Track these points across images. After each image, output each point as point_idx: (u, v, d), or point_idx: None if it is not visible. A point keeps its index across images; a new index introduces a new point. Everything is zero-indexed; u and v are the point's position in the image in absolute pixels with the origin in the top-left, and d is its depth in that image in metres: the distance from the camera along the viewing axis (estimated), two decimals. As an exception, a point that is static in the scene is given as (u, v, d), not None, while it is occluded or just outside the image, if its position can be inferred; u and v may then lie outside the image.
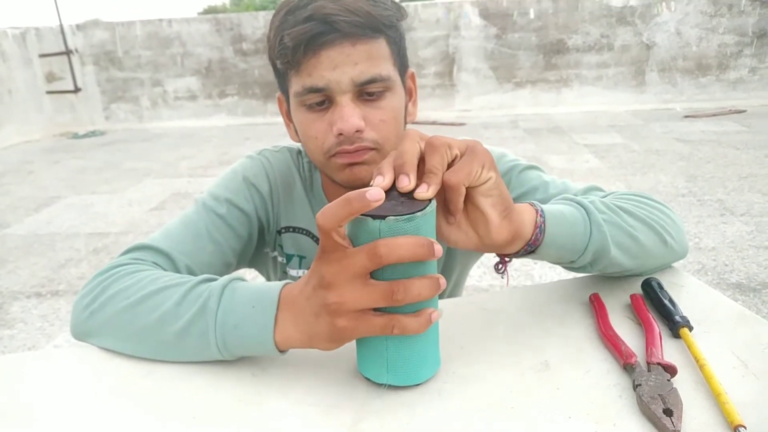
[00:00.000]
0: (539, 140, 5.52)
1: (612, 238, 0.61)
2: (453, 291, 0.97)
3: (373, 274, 0.46)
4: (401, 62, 0.74)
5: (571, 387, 0.53)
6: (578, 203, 0.61)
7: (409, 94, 0.80)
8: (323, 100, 0.70)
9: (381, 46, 0.69)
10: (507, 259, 0.60)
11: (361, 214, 0.45)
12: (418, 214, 0.45)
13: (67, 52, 7.54)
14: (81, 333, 0.64)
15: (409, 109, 0.79)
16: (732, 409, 0.47)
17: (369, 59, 0.68)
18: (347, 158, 0.70)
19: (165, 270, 0.69)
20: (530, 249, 0.57)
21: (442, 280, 0.47)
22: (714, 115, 6.21)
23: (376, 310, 0.47)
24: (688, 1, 6.71)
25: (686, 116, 6.26)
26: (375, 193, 0.42)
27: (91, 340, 0.63)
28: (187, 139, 6.74)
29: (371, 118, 0.70)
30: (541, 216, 0.56)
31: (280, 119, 0.82)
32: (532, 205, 0.57)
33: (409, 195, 0.47)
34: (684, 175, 4.00)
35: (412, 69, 0.79)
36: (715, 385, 0.50)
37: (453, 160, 0.49)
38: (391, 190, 0.47)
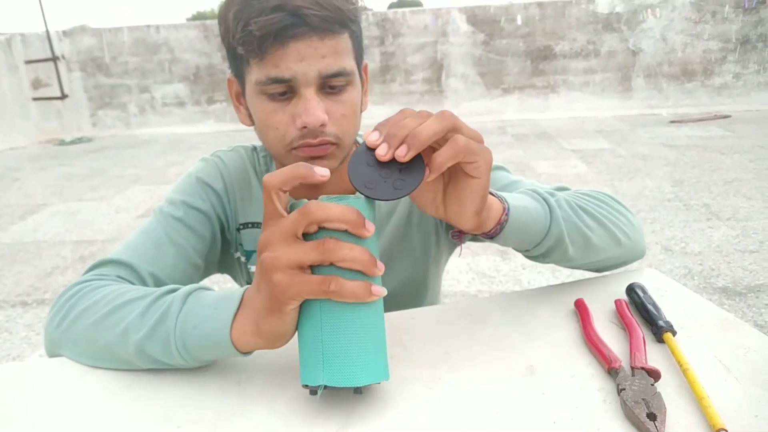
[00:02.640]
0: (527, 146, 5.56)
1: (568, 236, 0.65)
2: (432, 299, 0.97)
3: (308, 239, 0.48)
4: (359, 55, 0.75)
5: (556, 392, 0.53)
6: (545, 200, 0.65)
7: (363, 85, 0.81)
8: (285, 91, 0.70)
9: (345, 41, 0.70)
10: (464, 233, 0.64)
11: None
12: (351, 197, 0.48)
13: (54, 59, 7.49)
14: (54, 350, 0.64)
15: (363, 99, 0.80)
16: (714, 413, 0.47)
17: (335, 53, 0.68)
18: (309, 152, 0.71)
19: (129, 281, 0.70)
20: (487, 236, 0.61)
21: (380, 264, 0.48)
22: (699, 120, 6.29)
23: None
24: (672, 7, 6.80)
25: (672, 121, 6.33)
26: (322, 171, 0.47)
27: (66, 354, 0.63)
28: (175, 145, 6.71)
29: (333, 113, 0.70)
30: (506, 214, 0.59)
31: (239, 119, 0.81)
32: (501, 202, 0.59)
33: (401, 174, 0.48)
34: (670, 179, 4.03)
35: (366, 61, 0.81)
36: (698, 389, 0.50)
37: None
38: (391, 167, 0.49)
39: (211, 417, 0.52)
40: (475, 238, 0.72)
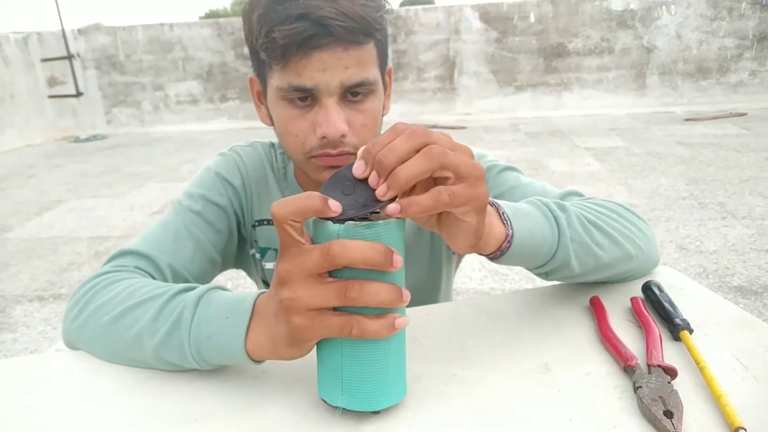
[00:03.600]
0: (540, 144, 5.52)
1: (577, 258, 0.62)
2: (445, 298, 0.97)
3: (332, 275, 0.45)
4: (383, 61, 0.75)
5: (571, 389, 0.53)
6: (555, 219, 0.60)
7: (385, 88, 0.80)
8: (306, 97, 0.69)
9: (370, 50, 0.69)
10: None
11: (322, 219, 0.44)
12: (381, 222, 0.44)
13: (69, 57, 7.56)
14: (71, 344, 0.65)
15: (384, 103, 0.79)
16: (732, 411, 0.47)
17: (359, 64, 0.67)
18: (328, 161, 0.71)
19: (148, 273, 0.71)
20: (486, 256, 0.57)
21: (406, 293, 0.45)
22: (714, 118, 6.21)
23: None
24: (688, 4, 6.73)
25: (687, 119, 6.26)
26: (335, 205, 0.42)
27: (83, 350, 0.64)
28: (189, 143, 6.75)
29: (354, 122, 0.70)
30: (509, 242, 0.55)
31: (259, 118, 0.81)
32: (506, 226, 0.55)
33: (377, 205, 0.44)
34: (685, 178, 3.99)
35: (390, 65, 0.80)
36: (716, 387, 0.50)
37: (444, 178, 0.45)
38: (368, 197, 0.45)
39: (229, 411, 0.52)
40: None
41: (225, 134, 7.20)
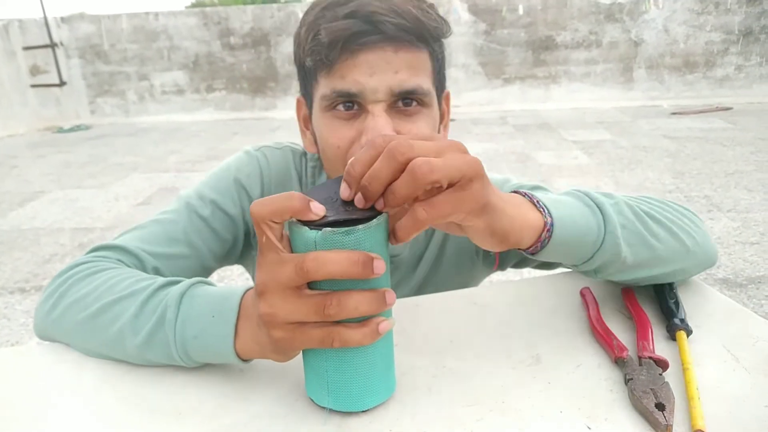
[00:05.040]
0: (528, 136, 5.53)
1: (629, 247, 0.55)
2: None
3: (312, 285, 0.42)
4: (440, 81, 0.69)
5: (562, 381, 0.52)
6: (599, 207, 0.54)
7: (441, 116, 0.73)
8: (352, 105, 0.64)
9: (424, 58, 0.64)
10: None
11: (301, 222, 0.41)
12: (360, 227, 0.41)
13: (52, 45, 7.43)
14: (45, 337, 0.62)
15: (440, 133, 0.73)
16: (699, 414, 0.46)
17: (410, 69, 0.62)
18: None
19: (129, 267, 0.66)
20: (526, 252, 0.52)
21: (390, 296, 0.42)
22: (701, 112, 6.26)
23: None
24: (675, -2, 6.76)
25: (673, 113, 6.30)
26: (318, 208, 0.40)
27: (58, 341, 0.61)
28: (175, 133, 6.68)
29: (405, 133, 0.63)
30: (548, 231, 0.50)
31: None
32: (543, 215, 0.50)
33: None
34: (671, 171, 4.02)
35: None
36: (692, 390, 0.49)
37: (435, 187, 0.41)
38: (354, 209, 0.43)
39: (213, 404, 0.51)
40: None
41: (211, 125, 7.13)
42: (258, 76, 7.45)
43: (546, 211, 0.50)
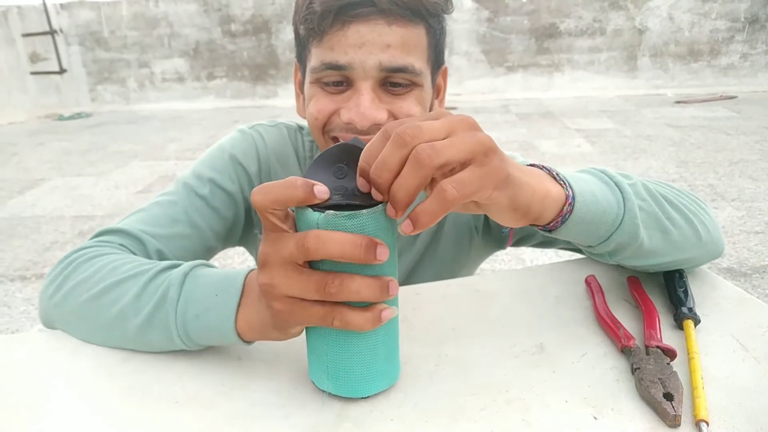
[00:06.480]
0: (531, 125, 5.50)
1: (646, 230, 0.53)
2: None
3: (313, 264, 0.41)
4: (436, 58, 0.67)
5: (567, 371, 0.51)
6: (617, 185, 0.52)
7: (437, 91, 0.72)
8: (341, 81, 0.62)
9: (419, 35, 0.62)
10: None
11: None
12: (364, 212, 0.40)
13: (52, 32, 7.39)
14: (48, 322, 0.61)
15: (434, 108, 0.72)
16: (702, 404, 0.45)
17: (403, 45, 0.60)
18: None
19: (133, 253, 0.65)
20: (544, 229, 0.50)
21: (394, 286, 0.41)
22: (705, 101, 6.22)
23: None
24: (680, -15, 6.69)
25: (677, 102, 6.26)
26: (323, 191, 0.39)
27: (60, 329, 0.60)
28: (175, 121, 6.65)
29: (396, 111, 0.62)
30: (570, 205, 0.47)
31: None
32: (564, 187, 0.48)
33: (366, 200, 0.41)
34: (675, 160, 4.00)
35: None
36: (696, 379, 0.48)
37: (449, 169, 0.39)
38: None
39: (211, 393, 0.50)
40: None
41: (212, 113, 7.10)
42: (259, 63, 7.40)
43: (567, 183, 0.48)
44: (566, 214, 0.48)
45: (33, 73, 7.61)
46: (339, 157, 0.43)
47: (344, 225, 0.39)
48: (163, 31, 7.46)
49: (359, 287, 0.40)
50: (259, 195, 0.39)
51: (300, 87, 0.73)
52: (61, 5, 7.49)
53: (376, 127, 0.62)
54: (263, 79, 7.44)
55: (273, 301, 0.42)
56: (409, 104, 0.63)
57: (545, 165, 0.50)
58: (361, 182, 0.40)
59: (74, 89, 7.73)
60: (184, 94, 7.68)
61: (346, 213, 0.39)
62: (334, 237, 0.39)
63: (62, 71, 7.57)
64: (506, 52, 7.19)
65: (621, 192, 0.52)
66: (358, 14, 0.58)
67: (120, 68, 7.65)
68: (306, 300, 0.41)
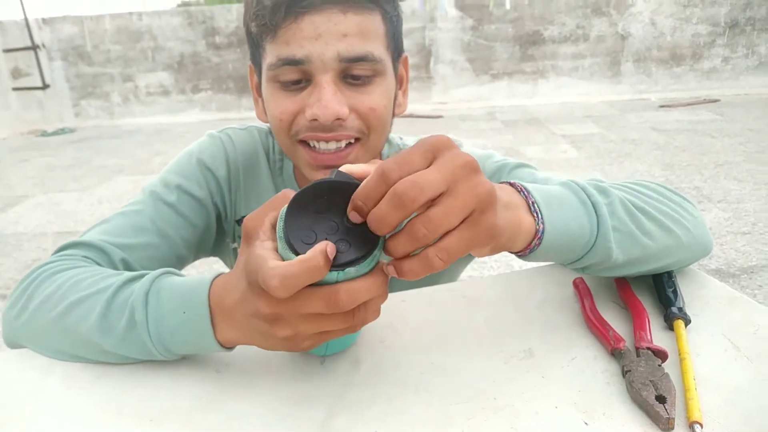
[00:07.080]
0: (516, 132, 5.52)
1: (621, 249, 0.52)
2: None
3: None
4: (395, 45, 0.66)
5: (556, 375, 0.50)
6: (594, 206, 0.51)
7: (400, 81, 0.70)
8: (299, 79, 0.60)
9: (375, 21, 0.60)
10: None
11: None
12: (376, 252, 0.39)
13: (34, 47, 7.32)
14: (14, 343, 0.59)
15: (398, 99, 0.70)
16: (696, 406, 0.43)
17: (360, 33, 0.59)
18: (321, 160, 0.62)
19: (97, 263, 0.63)
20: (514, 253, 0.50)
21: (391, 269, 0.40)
22: (688, 104, 6.28)
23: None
24: (661, -9, 6.77)
25: (661, 106, 6.32)
26: (332, 251, 0.37)
27: (30, 348, 0.57)
28: (160, 135, 6.60)
29: (358, 105, 0.61)
30: (539, 239, 0.47)
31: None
32: (536, 221, 0.46)
33: (350, 237, 0.40)
34: (660, 163, 4.02)
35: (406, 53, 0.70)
36: (688, 380, 0.46)
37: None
38: (334, 194, 0.40)
39: (187, 408, 0.48)
40: None
41: (198, 126, 7.05)
42: (244, 75, 7.38)
43: (539, 216, 0.47)
44: (534, 247, 0.47)
45: (15, 89, 7.53)
46: (315, 195, 0.40)
47: (364, 272, 0.40)
48: (146, 45, 7.43)
49: (375, 311, 0.42)
50: (281, 285, 0.37)
51: (257, 90, 0.71)
52: (44, 20, 7.43)
53: (338, 122, 0.60)
54: (248, 91, 7.40)
55: (301, 343, 0.43)
56: (372, 98, 0.62)
57: (524, 188, 0.48)
58: (353, 216, 0.38)
59: (57, 104, 7.65)
60: (168, 107, 7.63)
61: (365, 263, 0.39)
62: (363, 287, 0.38)
63: (45, 86, 7.49)
64: (491, 60, 7.24)
65: (596, 213, 0.51)
66: (311, 4, 0.56)
67: (104, 83, 7.58)
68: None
